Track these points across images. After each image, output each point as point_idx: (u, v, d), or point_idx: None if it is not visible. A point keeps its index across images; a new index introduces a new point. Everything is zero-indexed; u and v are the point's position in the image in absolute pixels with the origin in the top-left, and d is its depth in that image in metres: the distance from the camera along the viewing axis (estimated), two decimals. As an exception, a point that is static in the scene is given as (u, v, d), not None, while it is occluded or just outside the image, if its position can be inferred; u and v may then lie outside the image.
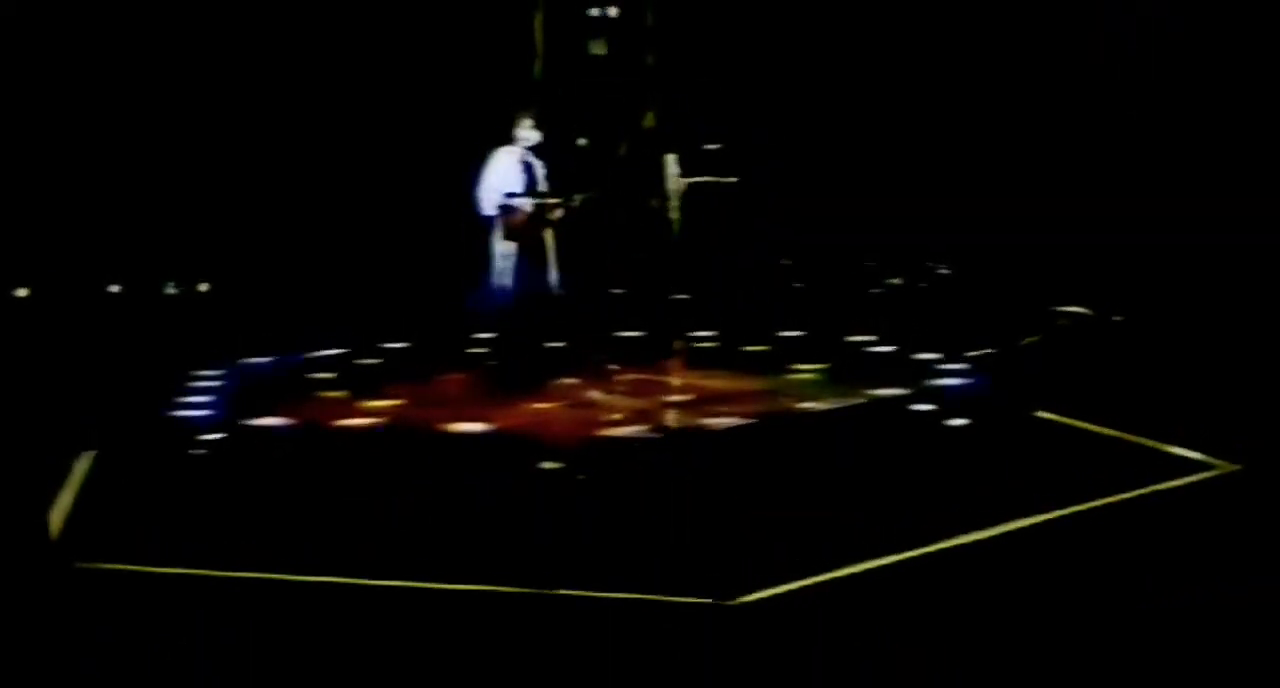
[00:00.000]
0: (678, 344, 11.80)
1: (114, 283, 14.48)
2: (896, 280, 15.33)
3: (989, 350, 12.68)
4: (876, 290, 15.09)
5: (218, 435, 9.26)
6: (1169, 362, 12.43)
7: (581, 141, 11.28)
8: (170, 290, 14.61)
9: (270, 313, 13.65)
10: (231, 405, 9.89)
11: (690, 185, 13.17)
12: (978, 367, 11.71)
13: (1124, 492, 8.62)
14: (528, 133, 10.75)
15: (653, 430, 9.17)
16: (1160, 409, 10.73)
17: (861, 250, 16.13)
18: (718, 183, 13.61)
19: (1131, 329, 13.67)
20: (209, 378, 10.69)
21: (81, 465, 9.36)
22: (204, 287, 14.68)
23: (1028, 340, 13.32)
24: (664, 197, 13.09)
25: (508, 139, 10.78)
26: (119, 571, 7.47)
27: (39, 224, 14.26)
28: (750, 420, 9.50)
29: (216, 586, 7.29)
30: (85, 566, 7.50)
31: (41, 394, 10.87)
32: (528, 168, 10.75)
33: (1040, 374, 11.88)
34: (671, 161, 13.25)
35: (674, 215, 13.14)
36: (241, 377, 10.87)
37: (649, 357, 11.65)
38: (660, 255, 13.52)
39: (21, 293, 14.00)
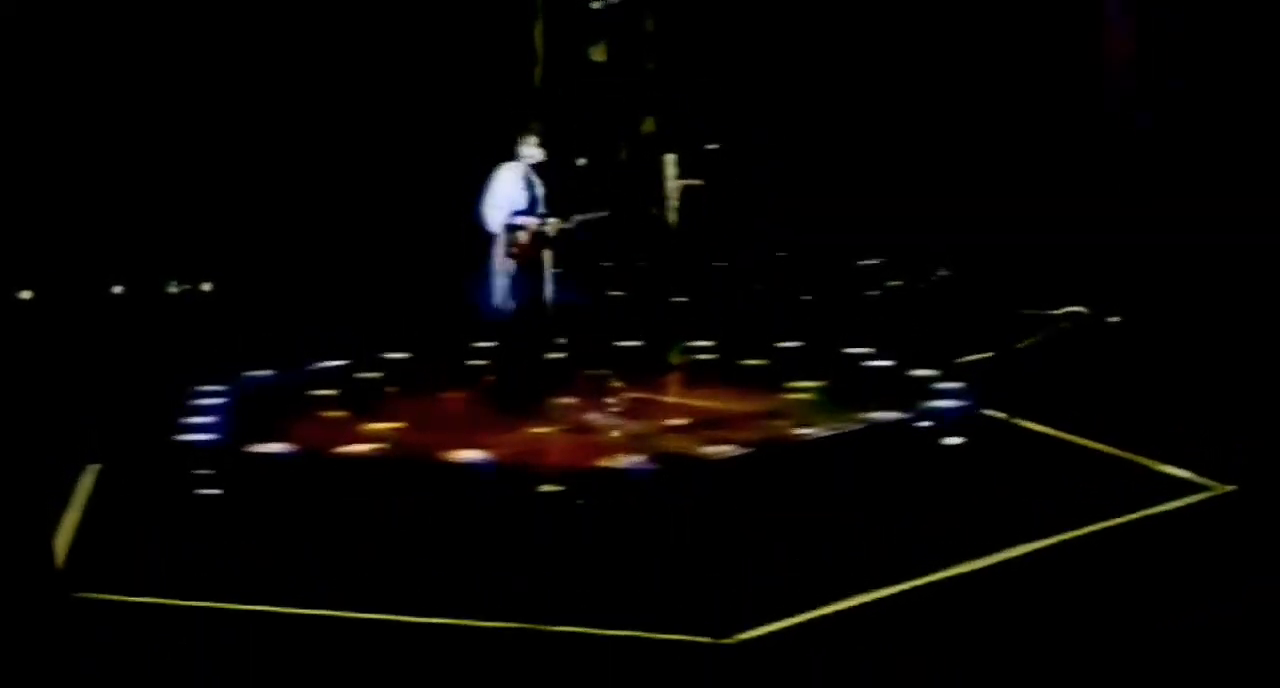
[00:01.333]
0: (675, 358, 11.81)
1: (117, 283, 14.49)
2: (896, 282, 15.33)
3: (987, 354, 12.73)
4: (874, 292, 15.09)
5: (219, 462, 9.29)
6: (1166, 366, 12.46)
7: (581, 161, 11.28)
8: (173, 289, 14.63)
9: (273, 315, 13.69)
10: (233, 428, 9.92)
11: (685, 188, 13.17)
12: (975, 376, 11.74)
13: (1119, 516, 8.70)
14: (531, 150, 10.80)
15: (650, 461, 9.18)
16: (1156, 418, 10.80)
17: (861, 251, 16.10)
18: (710, 186, 13.61)
19: (1128, 331, 13.68)
20: (212, 394, 10.71)
21: (86, 482, 9.43)
22: (207, 286, 14.69)
23: (1025, 343, 13.34)
24: (663, 200, 13.09)
25: (511, 154, 10.82)
26: (118, 602, 7.53)
27: (42, 224, 14.29)
28: (748, 449, 9.51)
29: (214, 618, 7.35)
30: (84, 596, 7.56)
31: (45, 405, 10.95)
32: (530, 185, 10.79)
33: (1037, 383, 11.91)
34: (670, 162, 13.25)
35: (672, 217, 13.15)
36: (243, 393, 10.89)
37: (647, 371, 11.66)
38: (659, 259, 13.54)
39: (25, 295, 14.02)
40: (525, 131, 10.89)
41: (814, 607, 7.34)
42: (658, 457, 9.31)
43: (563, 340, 11.10)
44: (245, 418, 10.20)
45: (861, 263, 15.34)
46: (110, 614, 7.43)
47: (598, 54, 13.91)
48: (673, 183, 12.99)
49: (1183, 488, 9.32)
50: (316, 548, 8.25)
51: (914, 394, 10.94)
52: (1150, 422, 10.64)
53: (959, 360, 12.39)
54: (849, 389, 11.23)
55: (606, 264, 13.77)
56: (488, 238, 10.70)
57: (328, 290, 14.03)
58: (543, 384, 10.72)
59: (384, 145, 14.57)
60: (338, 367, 11.75)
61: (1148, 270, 14.91)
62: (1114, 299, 14.20)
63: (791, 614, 7.26)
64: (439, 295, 12.67)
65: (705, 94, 14.72)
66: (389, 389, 11.45)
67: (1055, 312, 14.09)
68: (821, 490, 9.10)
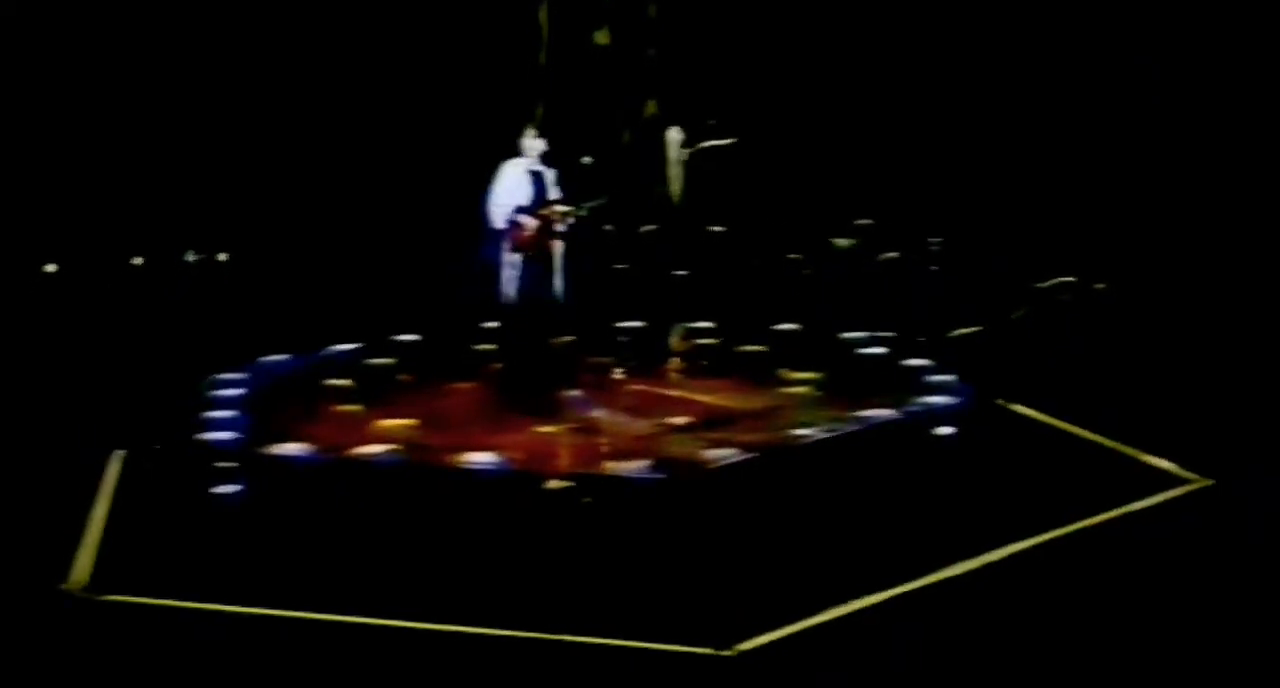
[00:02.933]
0: (676, 343, 12.04)
1: (137, 254, 14.66)
2: (892, 254, 15.39)
3: (977, 328, 12.96)
4: (870, 267, 15.16)
5: (237, 463, 9.51)
6: (1151, 340, 12.67)
7: (586, 159, 11.45)
8: (190, 258, 14.78)
9: (287, 287, 13.88)
10: (249, 424, 10.12)
11: (694, 153, 13.30)
12: (965, 352, 11.97)
13: (1100, 512, 8.99)
14: (534, 143, 11.04)
15: (652, 468, 9.35)
16: (1142, 397, 11.07)
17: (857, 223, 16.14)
18: (719, 147, 13.74)
19: (1115, 299, 13.81)
20: (228, 384, 10.93)
21: (112, 470, 9.67)
22: (223, 256, 14.85)
23: (1015, 315, 13.54)
24: (665, 178, 13.24)
25: (515, 145, 11.05)
26: (138, 604, 7.81)
27: (64, 200, 14.46)
28: (748, 455, 9.63)
29: (228, 621, 7.61)
30: (106, 598, 7.87)
31: (70, 389, 11.22)
32: (536, 178, 11.02)
33: (1026, 361, 12.13)
34: (674, 133, 13.38)
35: (675, 188, 13.29)
36: (259, 383, 11.12)
37: (650, 358, 11.87)
38: (663, 233, 13.69)
39: (50, 268, 14.19)
40: (527, 124, 11.15)
41: (813, 613, 7.57)
42: (660, 462, 9.44)
43: (569, 330, 11.35)
44: (260, 412, 10.36)
45: (857, 237, 15.40)
46: (131, 617, 7.71)
47: (602, 37, 14.02)
48: (676, 158, 13.10)
49: (1163, 481, 9.58)
50: (328, 553, 8.45)
51: (908, 382, 11.16)
52: (1139, 403, 10.92)
53: (950, 334, 12.65)
54: (845, 379, 11.45)
55: (609, 228, 13.93)
56: (496, 239, 10.94)
57: (340, 268, 14.20)
58: (549, 377, 10.95)
59: (393, 127, 14.72)
60: (350, 351, 11.91)
61: (1136, 236, 14.86)
62: (1100, 264, 14.26)
63: (792, 623, 7.47)
64: (451, 276, 12.80)
65: (708, 79, 14.72)
66: (401, 377, 11.66)
67: (1042, 284, 14.24)
68: (819, 495, 9.25)
